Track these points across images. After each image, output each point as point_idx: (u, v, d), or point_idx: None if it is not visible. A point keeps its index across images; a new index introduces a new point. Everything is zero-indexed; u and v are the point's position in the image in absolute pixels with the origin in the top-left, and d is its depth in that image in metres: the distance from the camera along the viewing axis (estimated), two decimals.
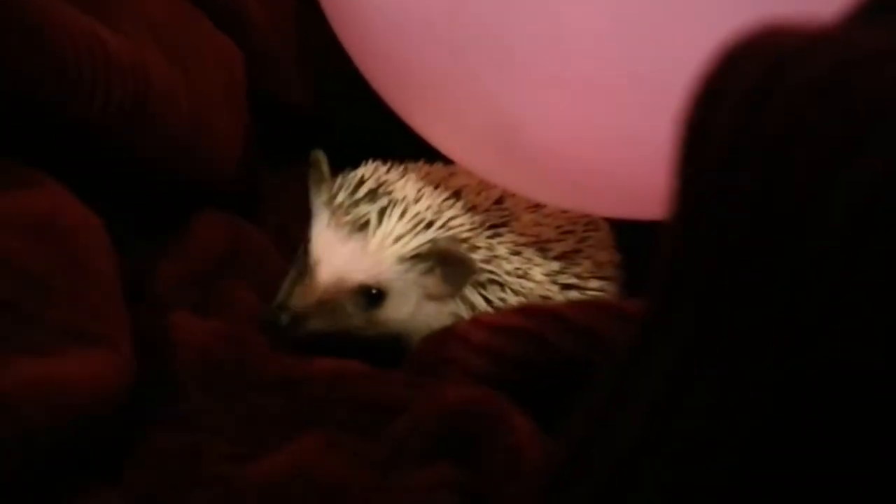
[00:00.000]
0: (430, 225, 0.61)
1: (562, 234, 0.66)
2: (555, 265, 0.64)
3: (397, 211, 0.61)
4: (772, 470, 0.21)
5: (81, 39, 0.44)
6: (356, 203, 0.61)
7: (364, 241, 0.60)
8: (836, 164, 0.19)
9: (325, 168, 0.66)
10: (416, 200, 0.62)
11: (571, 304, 0.47)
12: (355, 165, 0.68)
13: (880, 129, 0.19)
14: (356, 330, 0.61)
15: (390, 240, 0.60)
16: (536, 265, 0.63)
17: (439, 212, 0.62)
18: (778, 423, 0.21)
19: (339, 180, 0.65)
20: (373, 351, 0.56)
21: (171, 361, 0.46)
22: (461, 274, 0.60)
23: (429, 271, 0.61)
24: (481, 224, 0.62)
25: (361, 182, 0.63)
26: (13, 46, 0.40)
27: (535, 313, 0.45)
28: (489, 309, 0.61)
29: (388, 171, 0.65)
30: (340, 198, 0.62)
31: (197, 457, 0.40)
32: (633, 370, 0.24)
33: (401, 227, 0.60)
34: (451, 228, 0.61)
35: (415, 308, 0.62)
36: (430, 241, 0.60)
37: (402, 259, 0.60)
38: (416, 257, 0.60)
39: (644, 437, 0.23)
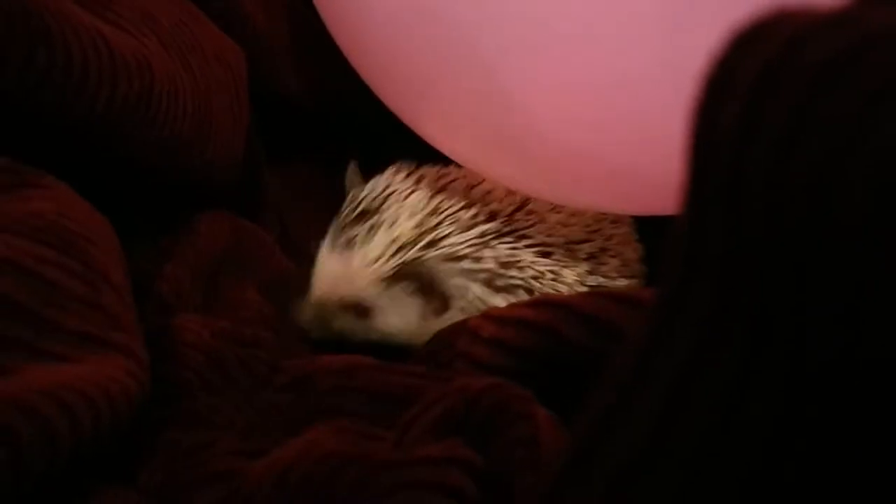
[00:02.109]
0: (413, 244, 0.61)
1: (590, 234, 0.66)
2: (584, 266, 0.64)
3: (382, 231, 0.62)
4: (790, 457, 0.21)
5: (85, 36, 0.44)
6: (352, 222, 0.63)
7: (349, 260, 0.62)
8: (853, 142, 0.19)
9: (354, 181, 0.67)
10: (409, 217, 0.62)
11: (581, 294, 0.47)
12: (360, 163, 0.69)
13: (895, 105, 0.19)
14: (362, 337, 0.63)
15: (369, 260, 0.61)
16: (566, 267, 0.64)
17: (431, 230, 0.62)
18: (798, 410, 0.21)
19: (351, 194, 0.66)
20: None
21: (179, 363, 0.46)
22: (436, 292, 0.62)
23: (414, 291, 0.62)
24: (496, 232, 0.62)
25: (361, 200, 0.64)
26: (18, 43, 0.40)
27: (545, 305, 0.45)
28: None
29: (403, 179, 0.65)
30: (342, 215, 0.64)
31: (208, 452, 0.41)
32: (648, 357, 0.24)
33: (379, 248, 0.61)
34: (440, 247, 0.61)
35: (418, 320, 0.63)
36: (402, 262, 0.61)
37: (382, 278, 0.61)
38: (394, 277, 0.61)
39: (661, 424, 0.23)
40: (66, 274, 0.37)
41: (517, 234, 0.63)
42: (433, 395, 0.39)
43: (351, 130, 0.81)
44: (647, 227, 0.73)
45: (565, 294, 0.58)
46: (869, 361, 0.19)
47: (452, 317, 0.62)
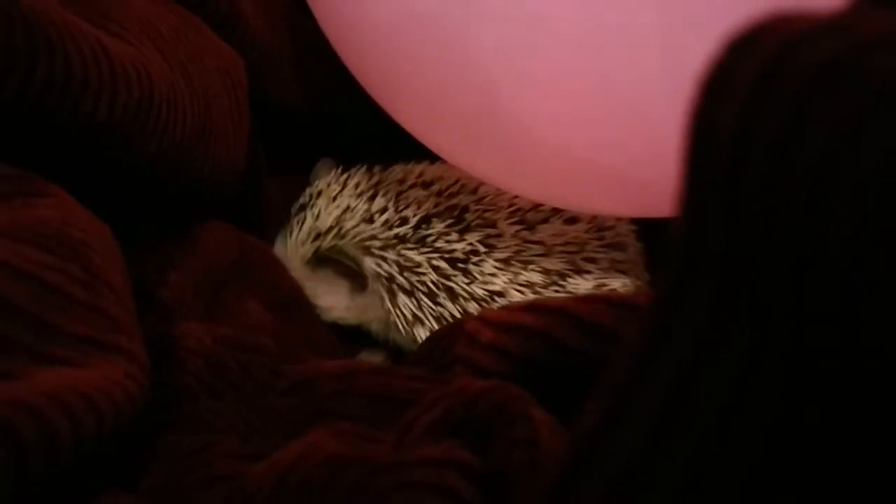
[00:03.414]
0: (328, 234, 0.70)
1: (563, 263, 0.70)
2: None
3: (308, 218, 0.71)
4: (791, 457, 0.21)
5: (86, 45, 0.44)
6: (294, 213, 0.73)
7: (284, 247, 0.73)
8: (851, 144, 0.19)
9: (319, 174, 0.76)
10: (329, 213, 0.71)
11: (579, 298, 0.47)
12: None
13: (892, 107, 0.19)
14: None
15: (294, 246, 0.72)
16: (485, 278, 0.69)
17: (344, 223, 0.70)
18: (798, 411, 0.21)
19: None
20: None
21: (180, 368, 0.46)
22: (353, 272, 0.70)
23: (336, 271, 0.71)
24: (403, 236, 0.69)
25: (304, 195, 0.74)
26: (20, 54, 0.41)
27: (543, 310, 0.45)
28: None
29: (336, 180, 0.73)
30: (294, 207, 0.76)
31: (209, 456, 0.41)
32: (646, 358, 0.24)
33: (303, 236, 0.71)
34: (350, 237, 0.69)
35: (346, 298, 0.72)
36: (318, 248, 0.70)
37: (305, 261, 0.71)
38: (317, 261, 0.70)
39: (661, 424, 0.23)
40: (68, 279, 0.38)
41: (424, 240, 0.69)
42: (432, 397, 0.39)
43: (350, 137, 0.82)
44: (646, 230, 0.73)
45: (564, 297, 0.58)
46: (868, 362, 0.19)
47: (374, 294, 0.70)
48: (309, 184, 0.75)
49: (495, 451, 0.36)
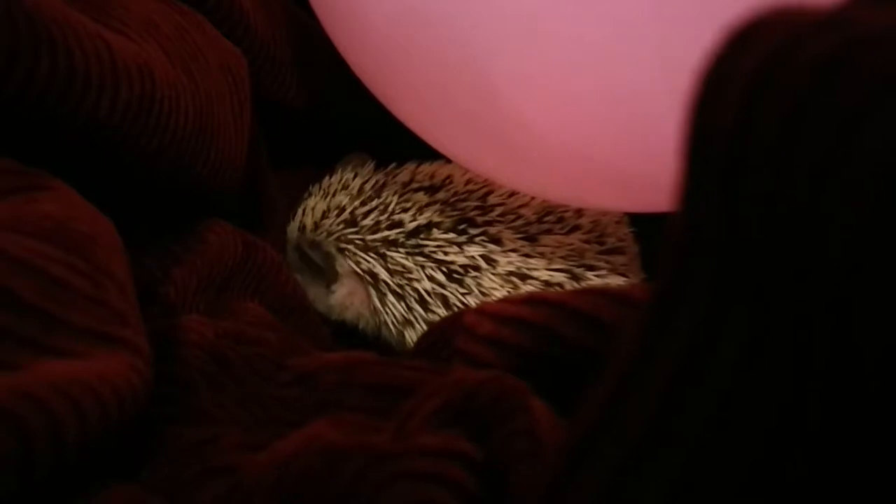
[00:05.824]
0: (312, 228, 0.71)
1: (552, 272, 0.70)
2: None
3: (301, 209, 0.74)
4: (795, 446, 0.21)
5: (88, 42, 0.44)
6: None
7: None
8: (851, 140, 0.19)
9: (351, 163, 0.78)
10: (316, 208, 0.72)
11: (577, 292, 0.47)
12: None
13: (892, 102, 0.19)
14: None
15: (289, 233, 0.74)
16: (486, 291, 0.69)
17: (328, 220, 0.71)
18: (801, 403, 0.21)
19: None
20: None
21: (183, 362, 0.47)
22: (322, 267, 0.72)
23: (308, 262, 0.72)
24: (392, 241, 0.69)
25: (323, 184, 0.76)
26: (23, 51, 0.41)
27: (542, 303, 0.45)
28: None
29: (339, 180, 0.74)
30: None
31: (211, 448, 0.41)
32: (646, 351, 0.24)
33: (295, 225, 0.74)
34: (332, 234, 0.70)
35: (322, 293, 0.73)
36: (301, 238, 0.73)
37: (293, 248, 0.74)
38: (298, 250, 0.73)
39: (661, 417, 0.23)
40: (73, 272, 0.38)
41: (420, 249, 0.69)
42: (432, 387, 0.39)
43: (351, 136, 0.82)
44: (645, 225, 0.74)
45: (562, 291, 0.58)
46: (869, 360, 0.20)
47: (351, 295, 0.72)
48: (333, 172, 0.76)
49: (494, 442, 0.36)
